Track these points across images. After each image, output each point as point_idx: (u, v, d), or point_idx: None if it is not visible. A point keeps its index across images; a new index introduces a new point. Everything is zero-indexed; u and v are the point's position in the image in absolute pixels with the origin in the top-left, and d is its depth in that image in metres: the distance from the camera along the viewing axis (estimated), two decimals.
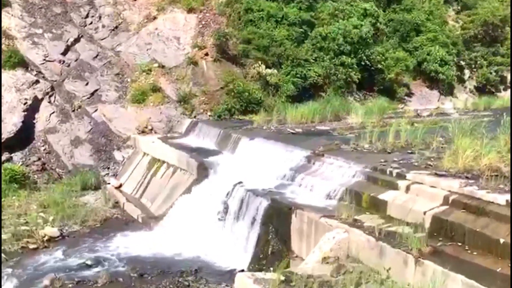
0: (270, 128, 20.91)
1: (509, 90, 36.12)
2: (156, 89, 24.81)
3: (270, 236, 13.03)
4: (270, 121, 21.79)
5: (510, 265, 8.64)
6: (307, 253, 11.51)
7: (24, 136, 22.22)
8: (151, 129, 23.76)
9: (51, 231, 15.93)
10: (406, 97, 31.71)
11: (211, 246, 14.70)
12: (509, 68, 35.29)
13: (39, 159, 22.01)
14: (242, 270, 12.51)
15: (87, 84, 24.59)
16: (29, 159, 21.80)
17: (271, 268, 10.32)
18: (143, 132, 23.58)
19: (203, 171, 17.41)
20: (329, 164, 14.49)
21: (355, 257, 10.41)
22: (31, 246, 14.97)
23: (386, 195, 11.77)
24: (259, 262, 12.86)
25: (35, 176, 21.15)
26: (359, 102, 28.06)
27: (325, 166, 14.54)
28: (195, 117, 24.23)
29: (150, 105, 24.40)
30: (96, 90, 24.63)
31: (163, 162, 20.28)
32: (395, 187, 11.90)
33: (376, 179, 12.60)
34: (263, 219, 13.37)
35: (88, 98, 24.34)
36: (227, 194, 15.28)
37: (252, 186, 14.92)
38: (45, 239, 15.56)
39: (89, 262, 13.86)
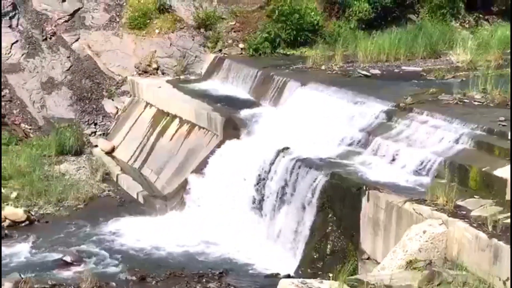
0: (332, 68, 20.69)
1: None
2: (164, 8, 24.81)
3: (330, 228, 13.09)
4: (332, 57, 21.53)
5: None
6: (385, 253, 11.51)
7: None
8: (157, 69, 23.89)
9: (14, 213, 16.40)
10: None
11: (244, 240, 14.88)
12: None
13: None
14: (289, 276, 12.63)
15: (64, 0, 24.79)
16: None
17: (330, 274, 10.38)
18: (145, 72, 23.74)
19: (231, 131, 17.47)
20: (420, 124, 14.32)
21: (456, 261, 10.35)
22: None
23: (506, 171, 11.56)
24: (313, 264, 12.97)
25: None
26: (469, 30, 27.36)
27: (414, 126, 14.38)
28: (220, 50, 24.17)
29: (155, 33, 24.45)
30: (77, 10, 24.80)
31: (174, 116, 20.47)
32: None
33: (491, 147, 12.40)
34: (320, 203, 13.39)
35: (66, 21, 24.56)
36: (267, 165, 15.32)
37: (303, 154, 14.90)
38: (5, 224, 16.05)
39: (68, 259, 14.21)
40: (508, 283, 9.32)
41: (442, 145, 13.30)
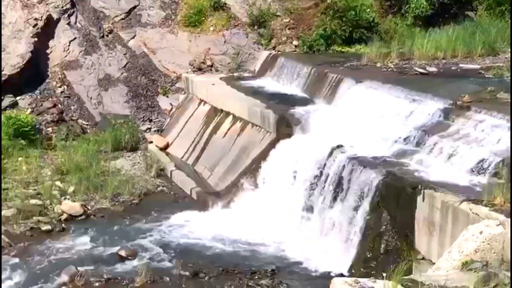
0: (387, 65, 20.57)
1: None
2: (219, 6, 24.96)
3: (384, 227, 12.99)
4: (388, 55, 21.41)
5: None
6: (440, 254, 11.35)
7: (34, 72, 23.25)
8: (211, 66, 24.06)
9: (71, 207, 16.77)
10: None
11: (296, 238, 14.88)
12: None
13: (55, 105, 23.03)
14: (341, 275, 12.60)
15: None
16: (41, 105, 22.87)
17: (384, 274, 10.30)
18: (199, 69, 23.94)
19: (285, 128, 17.49)
20: (478, 122, 14.09)
21: None
22: (44, 228, 15.83)
23: None
24: (366, 263, 12.89)
25: (49, 129, 22.19)
26: None
27: (471, 125, 14.16)
28: (274, 48, 24.22)
29: (209, 30, 24.63)
30: (133, 8, 25.16)
31: (228, 113, 20.57)
32: None
33: None
34: (374, 202, 13.32)
35: (122, 19, 24.95)
36: (321, 163, 15.29)
37: (357, 152, 14.86)
38: (62, 218, 16.42)
39: (123, 253, 14.44)
40: None
41: (500, 144, 13.05)
